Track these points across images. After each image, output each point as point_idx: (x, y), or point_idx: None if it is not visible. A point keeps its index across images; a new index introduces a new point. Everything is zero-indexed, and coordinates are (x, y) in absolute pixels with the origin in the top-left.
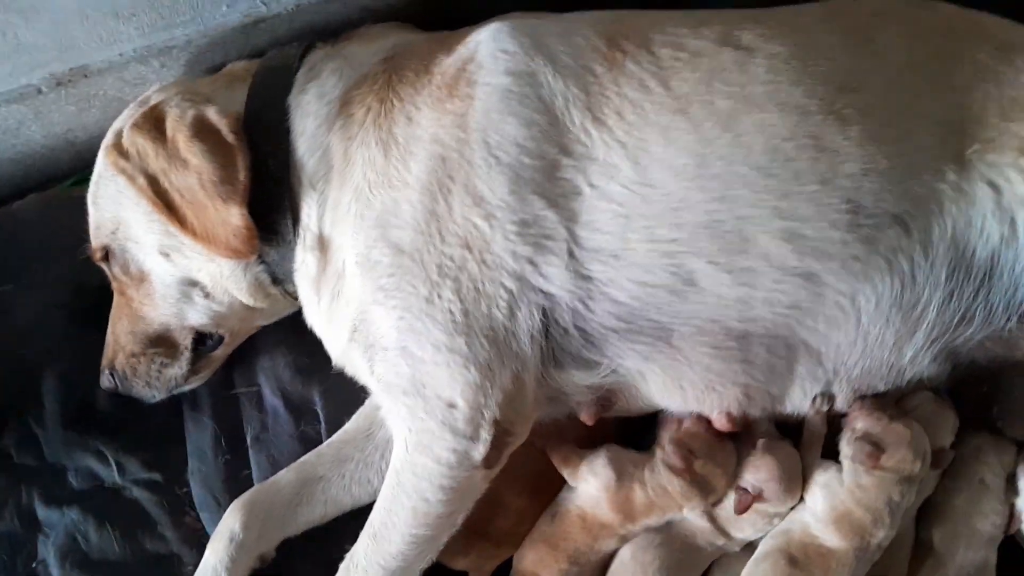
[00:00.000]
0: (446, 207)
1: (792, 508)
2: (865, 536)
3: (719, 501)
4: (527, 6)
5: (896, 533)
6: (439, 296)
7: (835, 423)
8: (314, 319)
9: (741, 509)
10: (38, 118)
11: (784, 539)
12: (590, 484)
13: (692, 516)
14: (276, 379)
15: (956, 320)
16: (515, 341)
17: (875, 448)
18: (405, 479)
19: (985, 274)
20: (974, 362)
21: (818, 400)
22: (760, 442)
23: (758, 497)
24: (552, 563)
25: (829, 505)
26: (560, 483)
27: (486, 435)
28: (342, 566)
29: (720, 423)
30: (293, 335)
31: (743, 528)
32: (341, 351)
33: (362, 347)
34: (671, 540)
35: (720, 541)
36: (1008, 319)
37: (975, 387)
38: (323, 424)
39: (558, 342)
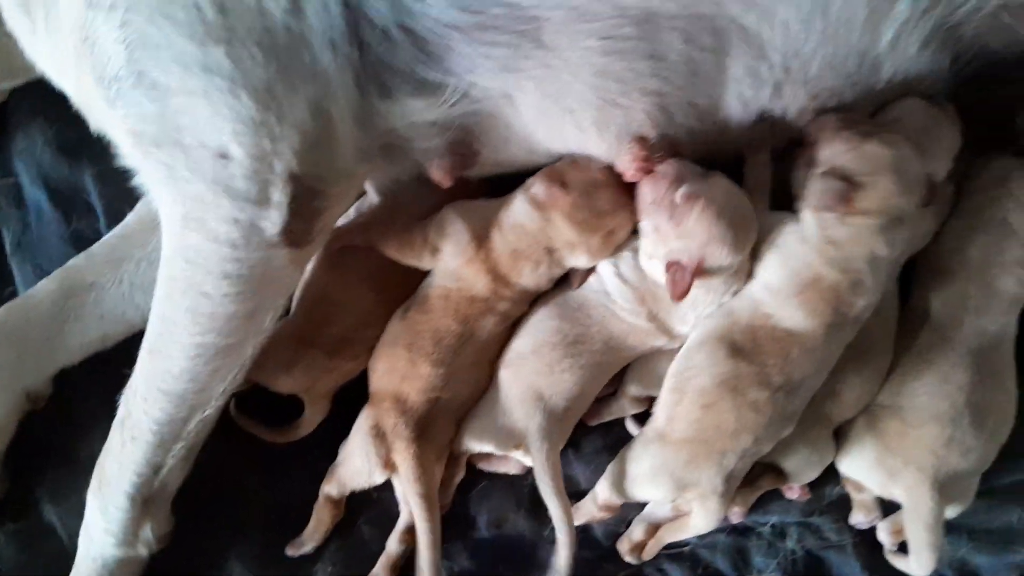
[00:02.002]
0: None
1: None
2: (841, 307)
3: (613, 246)
4: None
5: (882, 299)
6: None
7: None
8: (35, 52)
9: (679, 293)
10: None
11: (725, 322)
12: (444, 252)
13: (631, 317)
14: (36, 164)
15: None
16: (307, 52)
17: (846, 184)
18: (176, 269)
19: None
20: (985, 48)
21: (759, 126)
22: (680, 191)
23: (699, 270)
24: (409, 368)
25: (790, 271)
26: (418, 276)
27: (280, 196)
28: (122, 397)
29: (626, 164)
30: (53, 103)
31: (686, 319)
32: (77, 96)
33: (95, 82)
34: (590, 338)
35: (660, 340)
36: None
37: (989, 88)
38: (101, 218)
39: (378, 54)
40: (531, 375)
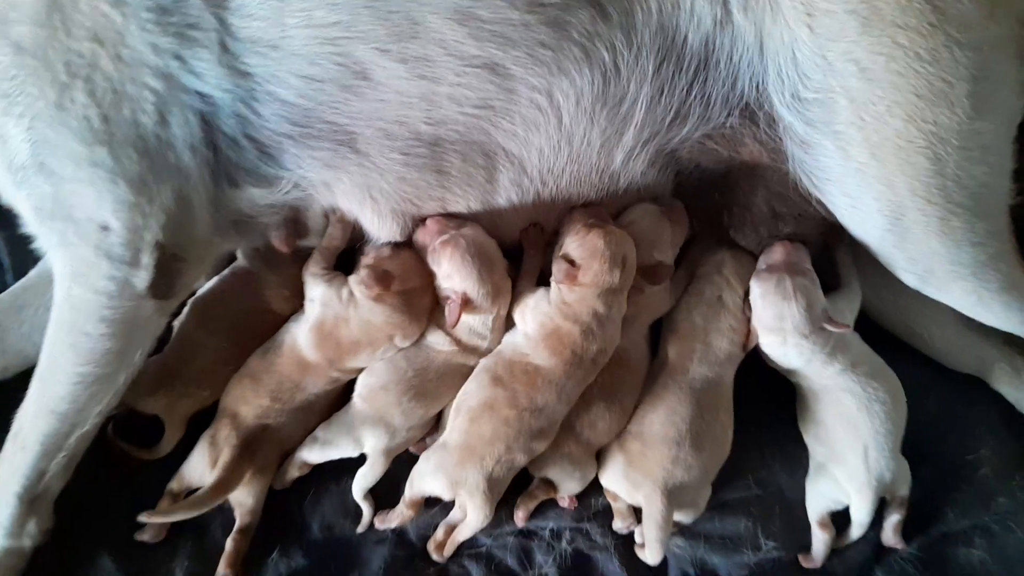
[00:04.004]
0: None
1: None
2: (577, 350)
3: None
4: None
5: (627, 352)
6: (71, 100)
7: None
8: None
9: (452, 322)
10: None
11: (492, 360)
12: (308, 315)
13: (436, 341)
14: None
15: (669, 118)
16: (171, 152)
17: (571, 266)
18: (63, 314)
19: (699, 64)
20: (700, 167)
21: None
22: (438, 239)
23: (465, 301)
24: (252, 398)
25: (539, 324)
26: (270, 328)
27: (148, 260)
28: (16, 415)
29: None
30: None
31: (485, 338)
32: None
33: (5, 169)
34: (426, 370)
35: (472, 360)
36: (728, 115)
37: (706, 195)
38: (9, 273)
39: (228, 155)
40: (383, 407)
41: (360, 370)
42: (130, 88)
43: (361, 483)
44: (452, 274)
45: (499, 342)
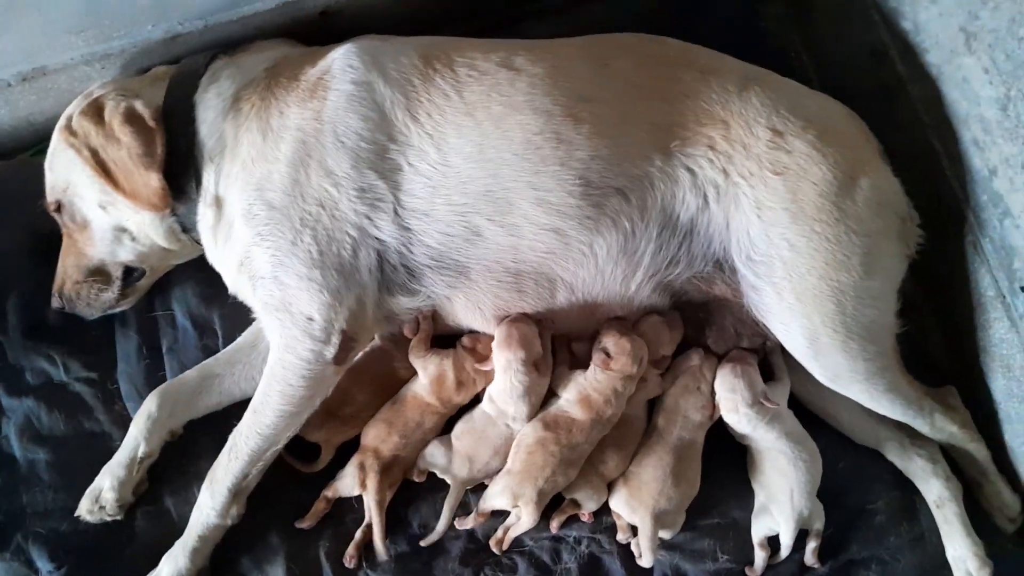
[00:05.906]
0: (306, 176)
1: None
2: (599, 411)
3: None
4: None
5: (631, 417)
6: (301, 240)
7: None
8: (213, 258)
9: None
10: (7, 104)
11: (544, 413)
12: (426, 372)
13: (488, 407)
14: (186, 304)
15: (666, 264)
16: (357, 273)
17: (606, 355)
18: (276, 371)
19: (686, 232)
20: (687, 294)
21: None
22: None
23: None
24: (387, 437)
25: (576, 392)
26: (395, 387)
27: (335, 340)
28: (231, 435)
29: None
30: (200, 272)
31: (511, 411)
32: (233, 281)
33: (247, 277)
34: (494, 425)
35: (506, 421)
36: (705, 265)
37: (694, 313)
38: (220, 339)
39: (389, 276)
40: (466, 447)
41: (458, 406)
42: (338, 235)
43: (449, 502)
44: (501, 371)
45: (524, 419)
